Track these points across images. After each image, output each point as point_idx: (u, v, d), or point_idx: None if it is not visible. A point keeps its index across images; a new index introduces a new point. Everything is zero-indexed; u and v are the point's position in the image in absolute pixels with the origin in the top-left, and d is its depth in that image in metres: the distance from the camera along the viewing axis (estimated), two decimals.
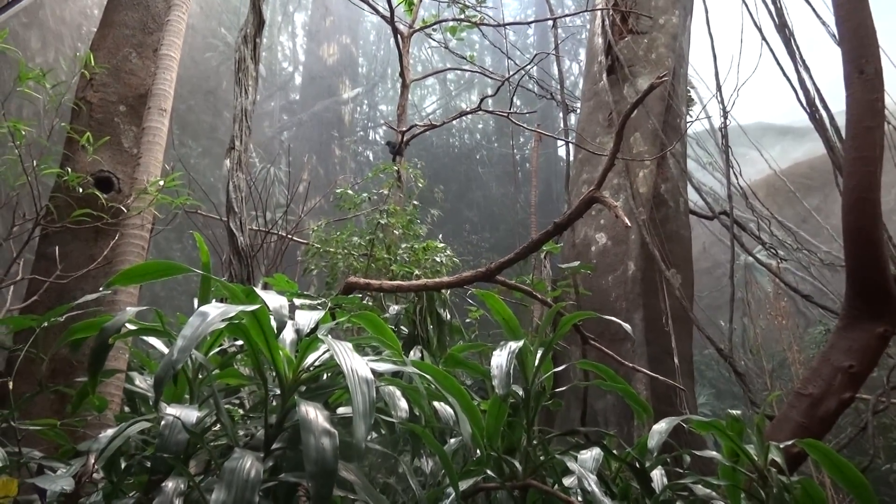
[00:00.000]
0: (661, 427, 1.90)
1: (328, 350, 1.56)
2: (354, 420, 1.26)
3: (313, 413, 1.37)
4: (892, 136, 6.60)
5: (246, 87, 5.57)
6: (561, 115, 9.60)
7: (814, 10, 6.48)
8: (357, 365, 1.34)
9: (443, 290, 4.18)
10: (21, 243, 3.59)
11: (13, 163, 3.41)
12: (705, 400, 11.25)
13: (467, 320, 5.42)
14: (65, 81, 4.74)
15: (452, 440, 2.45)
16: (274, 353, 1.55)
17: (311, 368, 1.61)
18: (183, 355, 1.28)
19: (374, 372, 1.49)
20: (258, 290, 1.71)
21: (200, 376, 1.94)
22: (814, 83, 6.67)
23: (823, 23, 6.23)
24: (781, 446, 1.86)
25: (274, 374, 1.64)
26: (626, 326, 2.37)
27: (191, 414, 1.58)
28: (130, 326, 1.85)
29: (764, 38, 7.63)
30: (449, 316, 3.93)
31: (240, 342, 2.13)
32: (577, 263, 5.41)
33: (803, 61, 6.91)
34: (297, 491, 1.70)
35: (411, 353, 3.27)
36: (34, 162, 3.64)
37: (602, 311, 6.79)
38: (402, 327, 3.82)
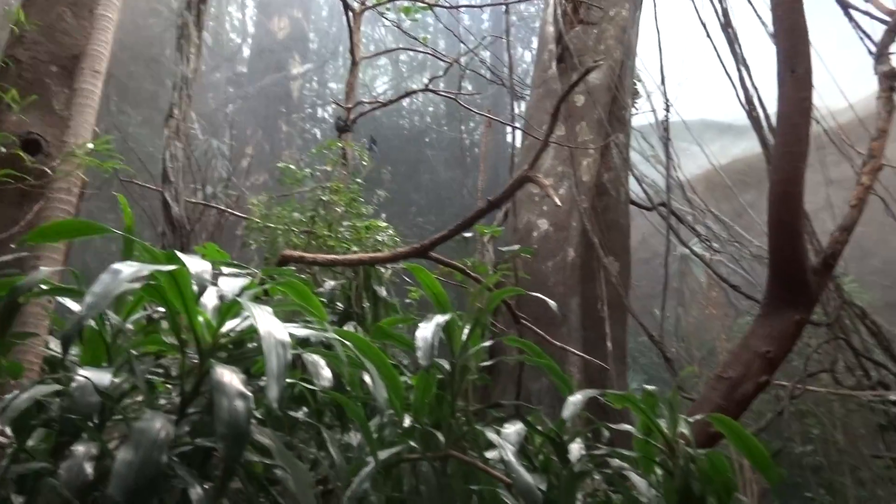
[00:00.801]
0: (577, 399, 1.96)
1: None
2: (268, 381, 1.26)
3: (228, 376, 1.36)
4: (821, 137, 6.88)
5: (188, 54, 5.41)
6: (512, 102, 9.65)
7: (755, 10, 6.67)
8: (274, 328, 1.34)
9: (381, 269, 4.18)
10: None
11: None
12: (637, 385, 11.59)
13: (407, 300, 5.44)
14: None
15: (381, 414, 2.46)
16: (192, 317, 1.53)
17: (232, 333, 1.60)
18: (91, 311, 1.25)
19: (293, 337, 1.49)
20: (181, 255, 1.68)
21: (120, 342, 1.90)
22: (752, 82, 6.87)
23: (764, 23, 6.43)
24: (692, 420, 1.95)
25: (193, 339, 1.61)
26: (552, 304, 2.43)
27: (104, 376, 1.55)
28: (45, 287, 1.80)
29: (709, 36, 7.83)
30: (386, 293, 3.94)
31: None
32: (517, 247, 5.48)
33: (744, 60, 7.12)
34: (214, 456, 1.69)
35: (345, 328, 3.27)
36: None
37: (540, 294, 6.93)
38: (337, 303, 3.81)
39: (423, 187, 16.39)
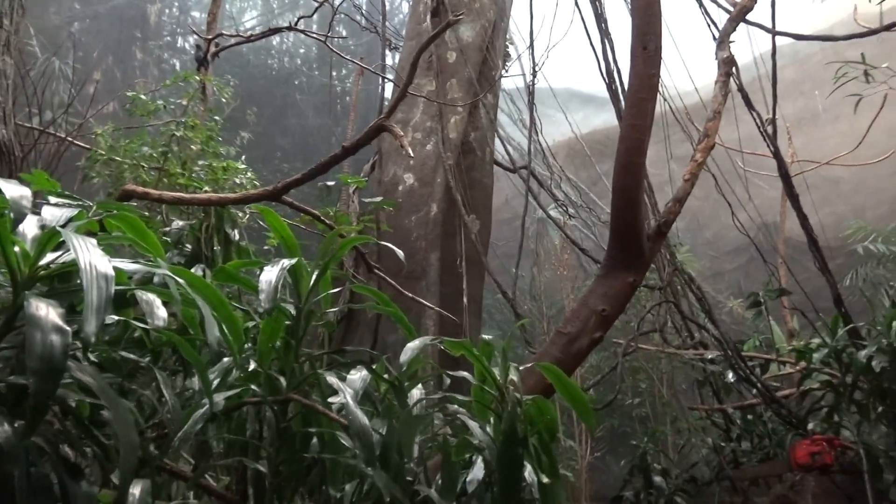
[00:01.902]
0: (414, 345, 2.02)
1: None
2: (85, 314, 1.20)
3: (44, 309, 1.27)
4: (668, 116, 7.40)
5: None
6: (387, 53, 9.50)
7: None
8: (96, 260, 1.27)
9: (236, 212, 4.04)
10: None
11: None
12: (492, 338, 12.08)
13: (265, 247, 5.30)
14: None
15: (227, 359, 2.41)
16: (5, 246, 1.40)
17: (53, 266, 1.49)
18: None
19: (121, 272, 1.41)
20: None
21: None
22: (615, 57, 7.19)
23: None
24: (521, 368, 2.08)
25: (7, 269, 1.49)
26: (400, 253, 2.46)
27: None
28: None
29: (577, 7, 8.09)
30: (238, 237, 3.81)
31: None
32: (379, 199, 5.48)
33: (608, 34, 7.42)
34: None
35: (193, 270, 3.14)
36: None
37: (402, 247, 6.98)
38: (186, 245, 3.65)
39: (289, 132, 15.84)
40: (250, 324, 2.57)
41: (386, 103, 9.04)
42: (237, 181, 5.28)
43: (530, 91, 7.69)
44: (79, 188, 6.30)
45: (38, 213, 1.74)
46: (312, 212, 3.46)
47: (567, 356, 3.74)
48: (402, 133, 2.70)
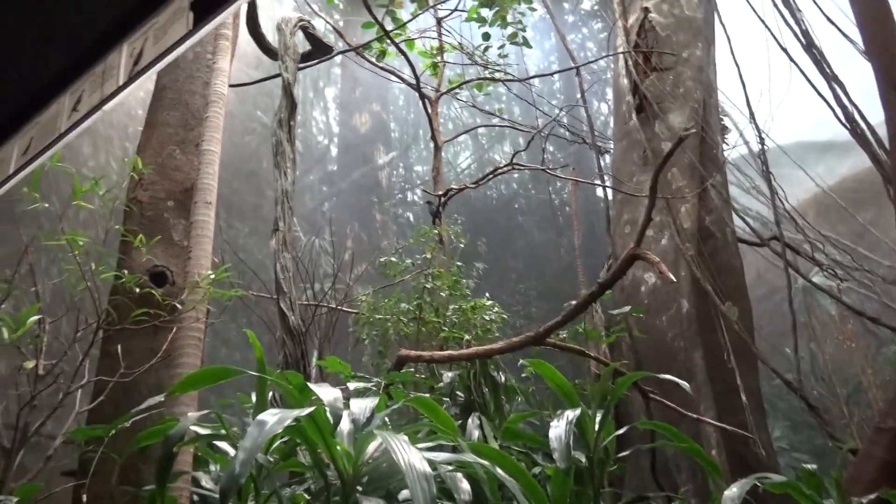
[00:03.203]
0: (733, 493, 1.81)
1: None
2: None
3: None
4: None
5: (284, 169, 5.76)
6: (598, 159, 9.62)
7: (839, 29, 6.42)
8: (414, 460, 1.35)
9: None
10: (86, 345, 3.73)
11: (74, 270, 3.58)
12: (780, 433, 10.69)
13: (523, 375, 5.38)
14: (117, 182, 5.02)
15: None
16: (332, 450, 1.57)
17: (370, 461, 1.63)
18: (245, 468, 1.31)
19: (431, 462, 1.49)
20: (312, 386, 1.75)
21: (264, 475, 1.97)
22: (849, 98, 6.56)
23: (851, 41, 6.16)
24: (865, 501, 1.76)
25: (334, 468, 1.65)
26: (684, 384, 2.31)
27: None
28: (194, 430, 1.90)
29: (792, 60, 7.56)
30: (503, 377, 3.91)
31: None
32: (627, 308, 5.33)
33: (836, 78, 6.84)
34: None
35: (469, 419, 3.25)
36: (92, 266, 3.82)
37: (659, 351, 6.64)
38: (458, 393, 3.81)
39: (519, 253, 16.41)
40: (536, 470, 2.56)
41: (606, 205, 9.02)
42: (486, 317, 5.52)
43: (763, 160, 7.20)
44: (353, 349, 7.00)
45: (347, 405, 1.94)
46: (578, 349, 3.45)
47: None
48: (657, 259, 2.64)
